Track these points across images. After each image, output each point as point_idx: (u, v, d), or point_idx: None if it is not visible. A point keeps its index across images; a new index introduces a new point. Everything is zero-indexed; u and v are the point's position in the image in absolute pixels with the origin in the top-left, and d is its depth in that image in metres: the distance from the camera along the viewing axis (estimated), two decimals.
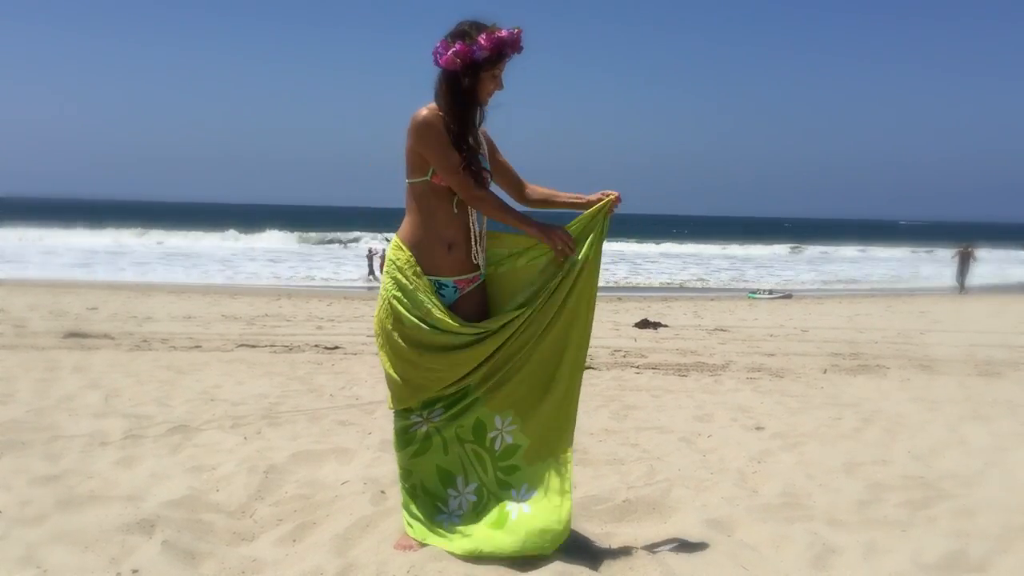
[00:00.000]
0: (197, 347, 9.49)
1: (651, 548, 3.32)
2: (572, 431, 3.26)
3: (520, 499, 3.15)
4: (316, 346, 9.83)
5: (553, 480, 3.14)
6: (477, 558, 3.03)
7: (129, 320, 12.17)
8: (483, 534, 3.09)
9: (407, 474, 3.24)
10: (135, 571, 3.02)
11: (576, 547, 3.28)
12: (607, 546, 3.33)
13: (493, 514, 3.15)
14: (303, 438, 5.00)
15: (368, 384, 7.01)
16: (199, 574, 3.07)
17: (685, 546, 3.34)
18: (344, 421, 5.54)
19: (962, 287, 25.17)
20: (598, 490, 4.06)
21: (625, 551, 3.28)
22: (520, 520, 3.08)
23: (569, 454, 3.20)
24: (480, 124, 3.17)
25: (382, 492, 3.86)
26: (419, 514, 3.21)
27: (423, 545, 3.19)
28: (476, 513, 3.19)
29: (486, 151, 3.21)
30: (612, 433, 5.36)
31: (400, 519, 3.45)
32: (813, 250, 53.88)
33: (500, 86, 3.09)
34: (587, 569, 3.07)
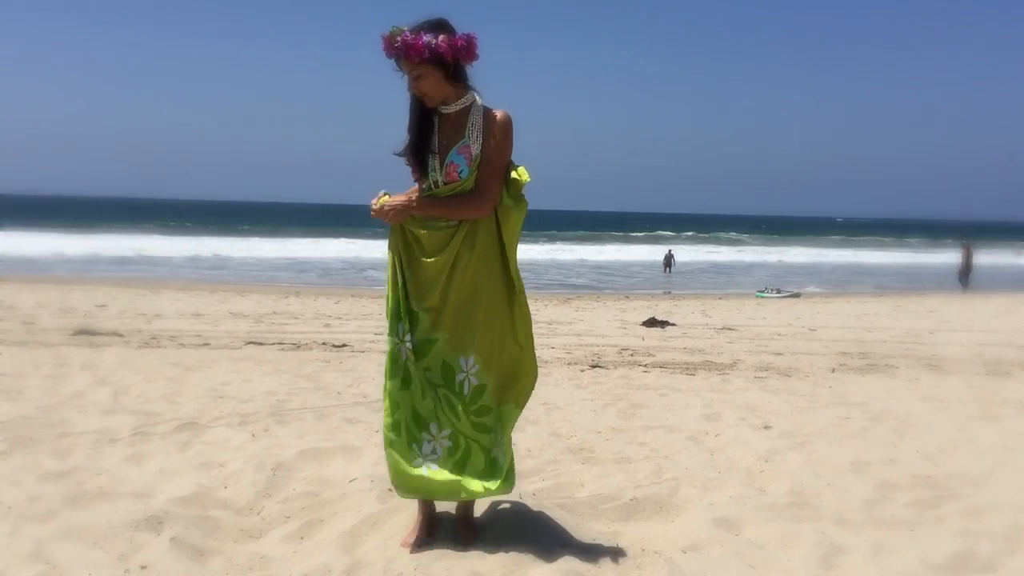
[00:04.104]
0: (206, 344, 9.51)
1: (658, 547, 3.32)
2: (530, 386, 3.36)
3: (500, 443, 3.22)
4: (324, 344, 9.84)
5: (510, 425, 3.31)
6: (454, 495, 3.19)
7: (138, 317, 12.21)
8: (467, 481, 3.15)
9: (394, 406, 3.21)
10: (143, 567, 3.03)
11: (583, 546, 3.29)
12: (614, 545, 3.33)
13: (479, 462, 3.18)
14: (311, 435, 5.01)
15: (376, 382, 7.02)
16: (207, 570, 3.08)
17: (693, 545, 3.34)
18: (352, 419, 5.55)
19: (965, 286, 25.00)
20: (605, 489, 4.06)
21: (632, 550, 3.28)
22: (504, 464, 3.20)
23: (520, 409, 3.35)
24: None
25: (390, 490, 3.85)
26: (398, 456, 3.20)
27: (429, 541, 3.21)
28: (453, 459, 3.18)
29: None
30: (619, 432, 5.36)
31: (407, 517, 3.46)
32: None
33: (409, 87, 3.16)
34: (594, 567, 3.08)
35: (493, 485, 3.15)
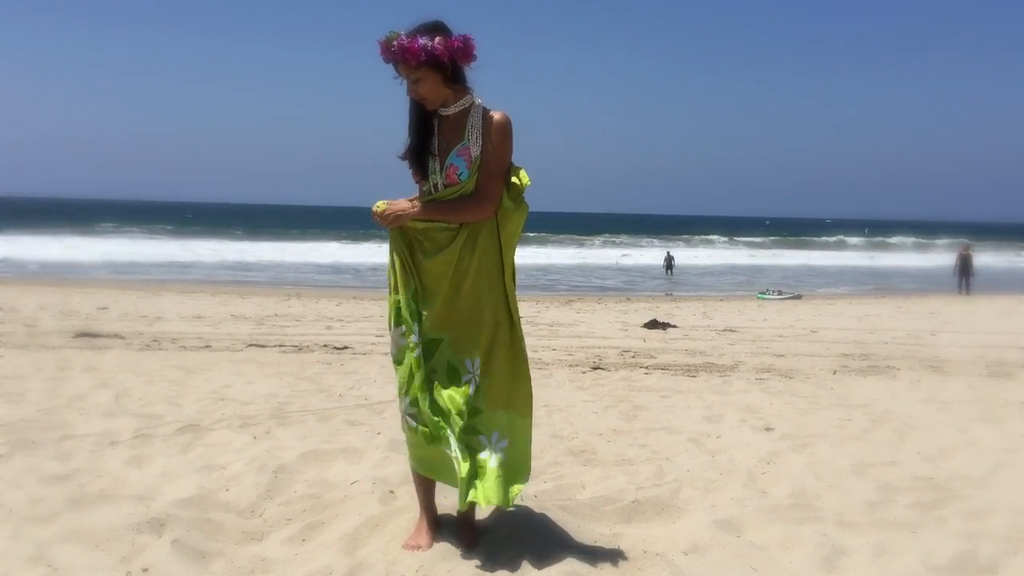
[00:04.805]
0: (207, 347, 9.52)
1: (659, 549, 3.32)
2: (528, 390, 3.29)
3: (494, 447, 3.14)
4: (325, 346, 9.85)
5: (527, 435, 3.27)
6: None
7: (139, 320, 12.23)
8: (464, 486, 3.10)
9: (421, 401, 3.15)
10: (145, 570, 3.03)
11: (585, 548, 3.28)
12: (616, 547, 3.33)
13: (467, 463, 3.10)
14: (312, 438, 5.01)
15: (377, 384, 7.03)
16: (209, 573, 3.08)
17: (694, 547, 3.34)
18: (353, 421, 5.55)
19: (965, 290, 24.99)
20: (607, 491, 4.06)
21: (634, 552, 3.28)
22: (499, 468, 3.12)
23: (529, 419, 3.28)
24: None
25: (391, 492, 3.87)
26: (422, 437, 3.18)
27: (431, 542, 3.21)
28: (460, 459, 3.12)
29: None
30: (621, 434, 5.36)
31: (408, 519, 3.46)
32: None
33: (409, 91, 3.16)
34: (596, 569, 3.08)
35: (487, 494, 3.09)
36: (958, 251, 26.97)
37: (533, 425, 5.16)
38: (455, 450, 3.12)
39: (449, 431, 3.14)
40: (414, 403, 3.17)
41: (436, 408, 3.16)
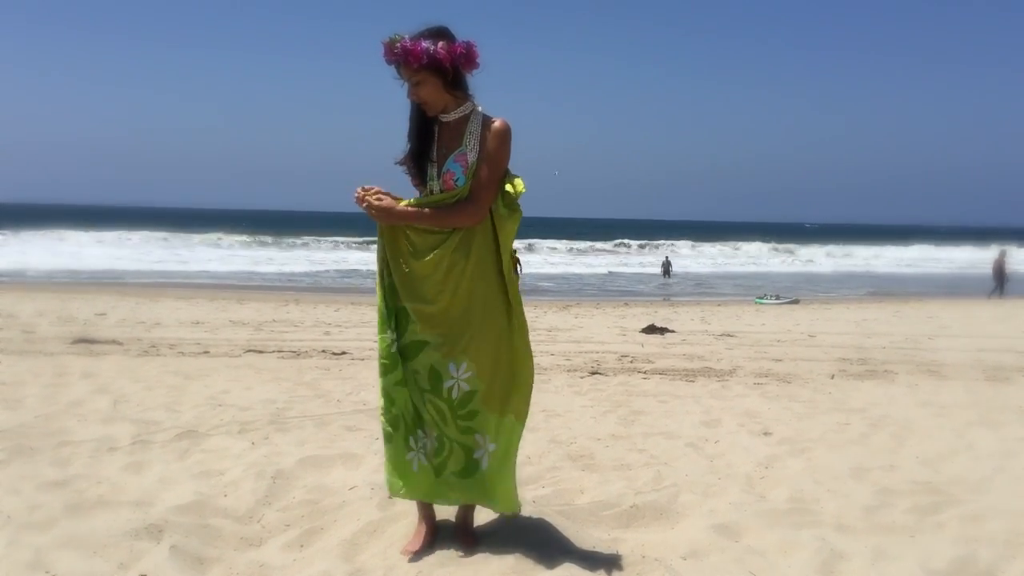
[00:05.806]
0: (205, 353, 9.51)
1: (658, 554, 3.32)
2: (527, 395, 3.32)
3: (485, 447, 3.21)
4: (323, 351, 9.84)
5: (513, 440, 3.29)
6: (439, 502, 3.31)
7: (137, 326, 12.20)
8: (450, 482, 3.23)
9: (390, 403, 3.25)
10: None
11: (583, 553, 3.29)
12: (614, 552, 3.33)
13: (459, 461, 3.21)
14: (310, 443, 5.01)
15: (375, 389, 7.01)
16: None
17: (693, 552, 3.34)
18: (351, 426, 5.55)
19: (999, 294, 25.05)
20: (605, 496, 4.06)
21: (632, 557, 3.28)
22: (490, 472, 3.21)
23: (522, 423, 3.32)
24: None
25: (389, 497, 3.86)
26: (393, 452, 3.29)
27: (429, 548, 3.22)
28: (439, 459, 3.22)
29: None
30: (619, 438, 5.36)
31: (407, 525, 3.47)
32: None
33: (409, 94, 3.17)
34: (594, 574, 3.08)
35: (477, 494, 3.24)
36: (995, 257, 27.22)
37: (531, 430, 5.18)
38: (419, 451, 3.24)
39: (409, 433, 3.23)
40: (388, 401, 3.25)
41: (409, 410, 3.24)
